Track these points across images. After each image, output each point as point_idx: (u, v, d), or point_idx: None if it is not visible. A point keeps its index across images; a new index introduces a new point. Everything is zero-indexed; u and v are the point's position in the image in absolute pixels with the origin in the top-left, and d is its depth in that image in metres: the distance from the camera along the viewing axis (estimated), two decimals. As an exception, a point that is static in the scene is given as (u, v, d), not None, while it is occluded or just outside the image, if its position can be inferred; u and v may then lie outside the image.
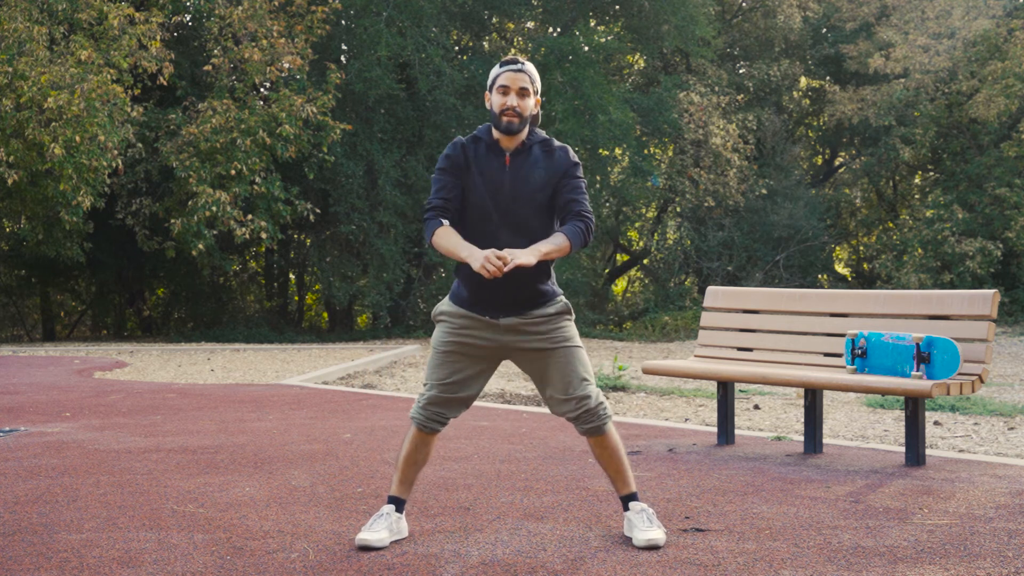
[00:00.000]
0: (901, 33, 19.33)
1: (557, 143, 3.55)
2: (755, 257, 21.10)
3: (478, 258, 3.21)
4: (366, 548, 3.40)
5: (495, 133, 3.50)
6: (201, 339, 17.54)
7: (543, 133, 3.57)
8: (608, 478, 3.62)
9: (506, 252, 3.21)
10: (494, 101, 3.47)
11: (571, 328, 3.55)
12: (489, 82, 3.51)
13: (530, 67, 3.49)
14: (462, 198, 3.47)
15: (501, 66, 3.49)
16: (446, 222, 3.41)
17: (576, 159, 3.53)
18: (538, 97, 3.52)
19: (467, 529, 3.67)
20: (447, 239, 3.35)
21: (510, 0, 19.58)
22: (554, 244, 3.33)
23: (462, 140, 3.51)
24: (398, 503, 3.55)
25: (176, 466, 4.93)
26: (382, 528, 3.46)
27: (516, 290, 3.45)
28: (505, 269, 3.18)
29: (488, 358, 3.54)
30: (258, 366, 11.49)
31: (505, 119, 3.43)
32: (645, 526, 3.44)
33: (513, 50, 22.90)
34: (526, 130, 3.50)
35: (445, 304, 3.57)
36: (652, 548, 3.38)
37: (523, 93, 3.44)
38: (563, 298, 3.56)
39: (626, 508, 3.55)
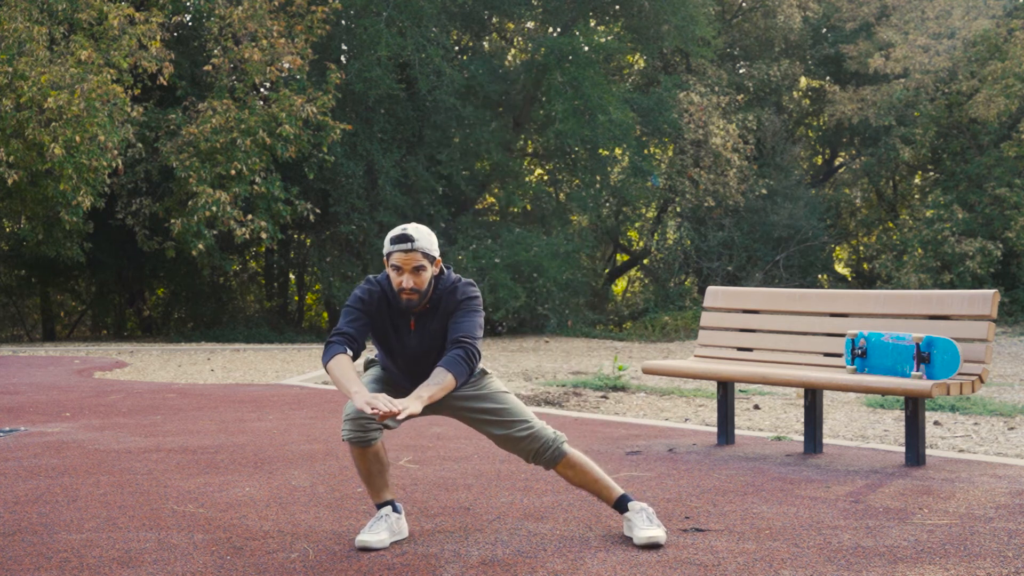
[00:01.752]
0: (901, 33, 19.32)
1: (451, 287, 3.50)
2: (755, 257, 21.09)
3: (361, 399, 3.19)
4: (366, 549, 3.40)
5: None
6: (201, 339, 17.54)
7: (451, 279, 3.51)
8: (593, 494, 3.62)
9: (394, 403, 3.18)
10: (392, 278, 3.44)
11: (493, 379, 3.61)
12: (384, 253, 3.47)
13: (422, 240, 3.40)
14: (368, 335, 3.50)
15: (392, 243, 3.42)
16: (349, 352, 3.40)
17: (467, 294, 3.49)
18: (438, 259, 3.47)
19: (467, 529, 3.67)
20: (340, 370, 3.34)
21: (510, 0, 19.57)
22: (437, 385, 3.32)
23: (378, 288, 3.49)
24: (391, 504, 3.55)
25: (176, 466, 4.93)
26: (382, 529, 3.46)
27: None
28: (398, 418, 3.19)
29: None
30: (258, 366, 11.49)
31: (404, 297, 3.43)
32: (645, 525, 3.44)
33: (510, 48, 22.85)
34: (430, 294, 3.47)
35: (378, 357, 3.67)
36: (652, 547, 3.38)
37: (418, 270, 3.40)
38: (480, 367, 3.58)
39: (625, 510, 3.55)
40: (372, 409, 3.13)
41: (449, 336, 3.45)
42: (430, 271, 3.43)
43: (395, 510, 3.53)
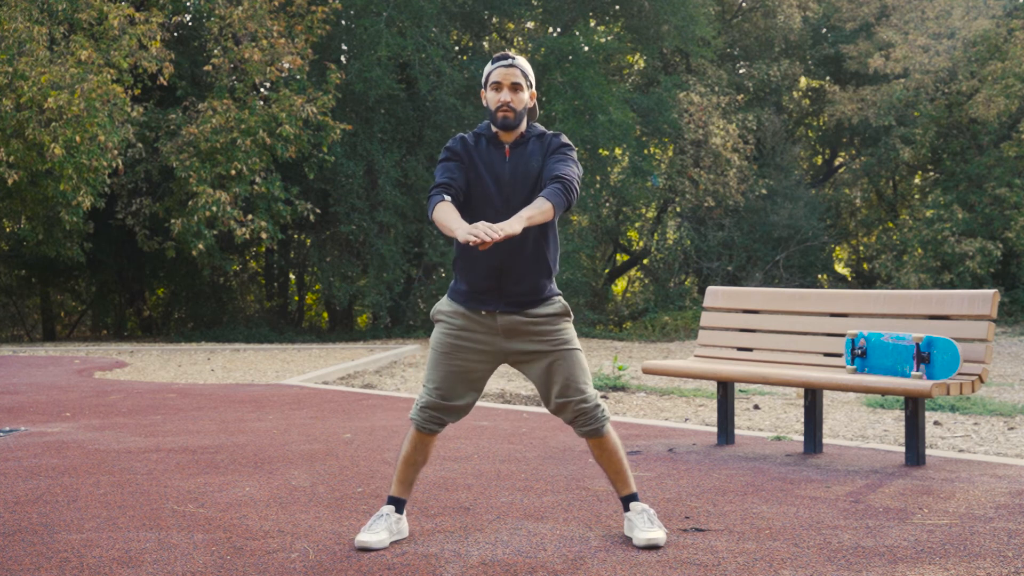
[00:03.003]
0: (901, 33, 19.32)
1: (550, 132, 3.57)
2: (755, 257, 21.09)
3: (463, 232, 3.15)
4: (365, 549, 3.40)
5: (494, 128, 3.52)
6: (201, 339, 17.54)
7: (540, 127, 3.58)
8: (608, 479, 3.62)
9: (493, 227, 3.13)
10: (489, 98, 3.50)
11: (570, 331, 3.54)
12: (483, 79, 3.53)
13: (521, 61, 3.51)
14: (466, 186, 3.47)
15: (493, 63, 3.50)
16: (448, 198, 3.38)
17: (566, 140, 3.54)
18: (532, 90, 3.53)
19: (467, 529, 3.67)
20: (444, 214, 3.32)
21: (510, 0, 19.57)
22: (536, 208, 3.28)
23: (463, 135, 3.54)
24: (398, 504, 3.54)
25: (176, 466, 4.93)
26: (381, 529, 3.46)
27: (514, 283, 3.45)
28: (495, 238, 3.10)
29: (486, 361, 3.52)
30: (258, 366, 11.49)
31: (500, 115, 3.46)
32: (646, 526, 3.44)
33: (512, 49, 22.89)
34: (524, 123, 3.53)
35: (443, 303, 3.56)
36: (652, 548, 3.38)
37: (516, 88, 3.47)
38: (562, 299, 3.56)
39: (627, 508, 3.55)
40: (474, 238, 3.09)
41: (545, 175, 3.43)
42: (527, 94, 3.49)
43: (398, 510, 3.53)
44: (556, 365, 3.47)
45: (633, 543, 3.44)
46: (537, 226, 3.41)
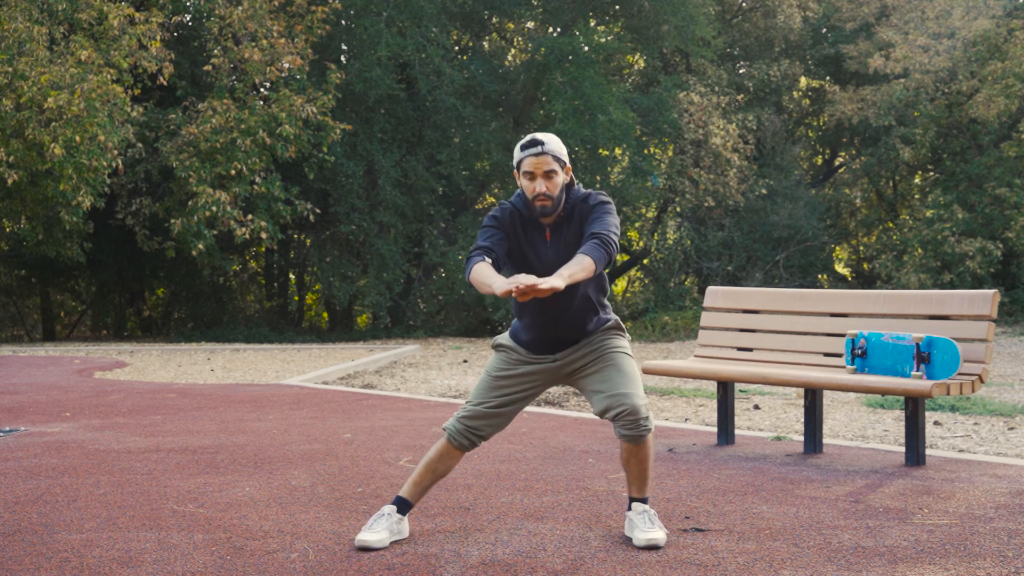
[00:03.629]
0: (901, 33, 19.32)
1: (584, 195, 3.51)
2: (755, 257, 21.09)
3: (502, 285, 3.15)
4: (365, 548, 3.40)
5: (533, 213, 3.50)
6: (201, 339, 17.54)
7: (580, 189, 3.54)
8: (627, 478, 3.60)
9: (534, 279, 3.14)
10: (524, 186, 3.46)
11: (621, 339, 3.60)
12: (515, 162, 3.49)
13: (552, 145, 3.44)
14: (507, 257, 3.48)
15: (522, 150, 3.44)
16: (489, 260, 3.37)
17: (598, 199, 3.50)
18: (567, 167, 3.48)
19: (467, 529, 3.67)
20: (481, 271, 3.31)
21: (510, 0, 19.57)
22: (577, 265, 3.28)
23: (509, 205, 3.51)
24: (402, 505, 3.55)
25: (176, 466, 4.93)
26: (382, 528, 3.46)
27: (570, 331, 3.53)
28: (535, 285, 3.10)
29: (540, 384, 3.60)
30: (258, 366, 11.49)
31: (539, 204, 3.44)
32: (646, 526, 3.44)
33: (512, 49, 22.89)
34: (563, 203, 3.49)
35: (505, 338, 3.63)
36: (652, 548, 3.38)
37: (550, 175, 3.42)
38: (616, 319, 3.61)
39: (629, 508, 3.55)
40: (516, 288, 3.08)
41: (585, 235, 3.42)
42: (561, 176, 3.45)
43: (401, 511, 3.54)
44: (604, 365, 3.52)
45: (633, 543, 3.44)
46: (582, 284, 3.45)
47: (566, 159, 3.48)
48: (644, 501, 3.56)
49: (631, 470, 3.54)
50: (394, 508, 3.53)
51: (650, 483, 3.57)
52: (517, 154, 3.46)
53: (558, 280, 3.17)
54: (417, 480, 3.58)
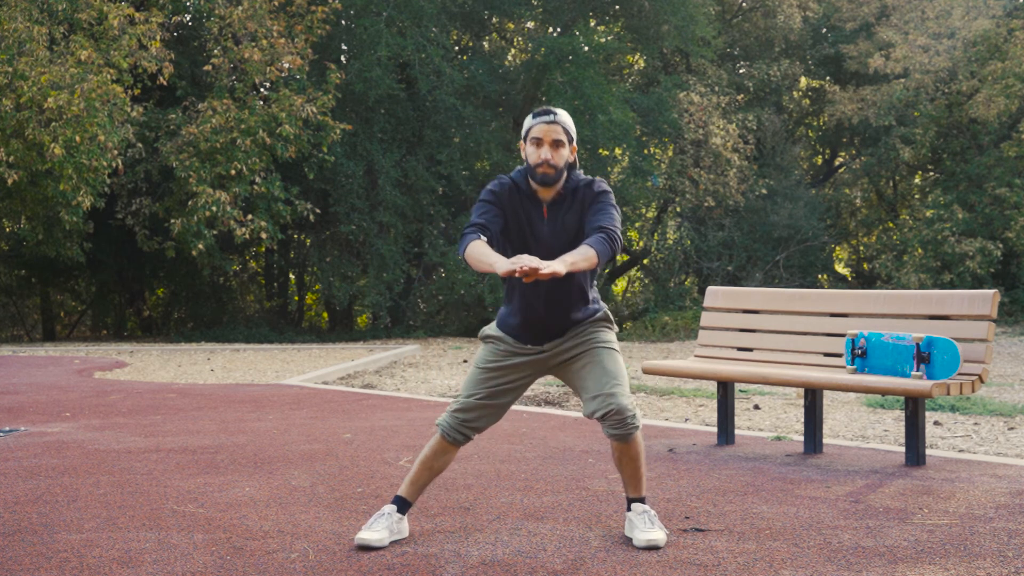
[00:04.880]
0: (901, 33, 19.32)
1: (586, 180, 3.51)
2: (755, 257, 21.09)
3: (503, 265, 3.14)
4: (365, 548, 3.39)
5: (532, 183, 3.49)
6: (201, 339, 17.54)
7: (581, 177, 3.54)
8: (622, 479, 3.61)
9: (536, 260, 3.13)
10: (528, 153, 3.45)
11: (609, 333, 3.57)
12: (523, 132, 3.49)
13: (563, 116, 3.46)
14: (502, 233, 3.47)
15: (534, 117, 3.46)
16: (484, 238, 3.37)
17: (602, 187, 3.50)
18: (573, 145, 3.49)
19: (467, 529, 3.67)
20: (478, 249, 3.29)
21: (510, 0, 19.57)
22: (580, 255, 3.26)
23: (508, 180, 3.50)
24: (401, 504, 3.55)
25: (176, 466, 4.93)
26: (382, 528, 3.46)
27: (559, 319, 3.51)
28: (537, 268, 3.08)
29: (529, 375, 3.59)
30: (258, 366, 11.49)
31: (540, 171, 3.42)
32: (646, 527, 3.44)
33: (513, 49, 22.89)
34: (563, 180, 3.48)
35: (492, 329, 3.61)
36: (652, 548, 3.38)
37: (557, 145, 3.42)
38: (604, 310, 3.60)
39: (629, 508, 3.56)
40: (520, 268, 3.06)
41: (587, 227, 3.42)
42: (567, 151, 3.45)
43: (400, 511, 3.54)
44: (591, 364, 3.49)
45: (633, 543, 3.44)
46: (575, 276, 3.44)
47: (575, 137, 3.49)
48: (642, 501, 3.55)
49: (624, 469, 3.54)
50: (394, 507, 3.53)
51: (645, 482, 3.57)
52: (528, 122, 3.47)
53: (560, 266, 3.15)
54: (414, 478, 3.58)
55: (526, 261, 3.08)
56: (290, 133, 15.74)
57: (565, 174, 3.48)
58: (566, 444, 5.52)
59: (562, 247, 3.44)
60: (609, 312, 3.61)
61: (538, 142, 3.42)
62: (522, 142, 3.50)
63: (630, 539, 3.50)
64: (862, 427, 6.50)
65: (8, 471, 4.81)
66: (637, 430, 3.45)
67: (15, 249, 17.92)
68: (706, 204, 20.19)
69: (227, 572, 3.17)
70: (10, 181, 14.01)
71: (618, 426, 3.42)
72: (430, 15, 18.30)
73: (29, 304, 22.48)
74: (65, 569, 3.21)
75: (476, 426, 3.53)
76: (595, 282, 3.59)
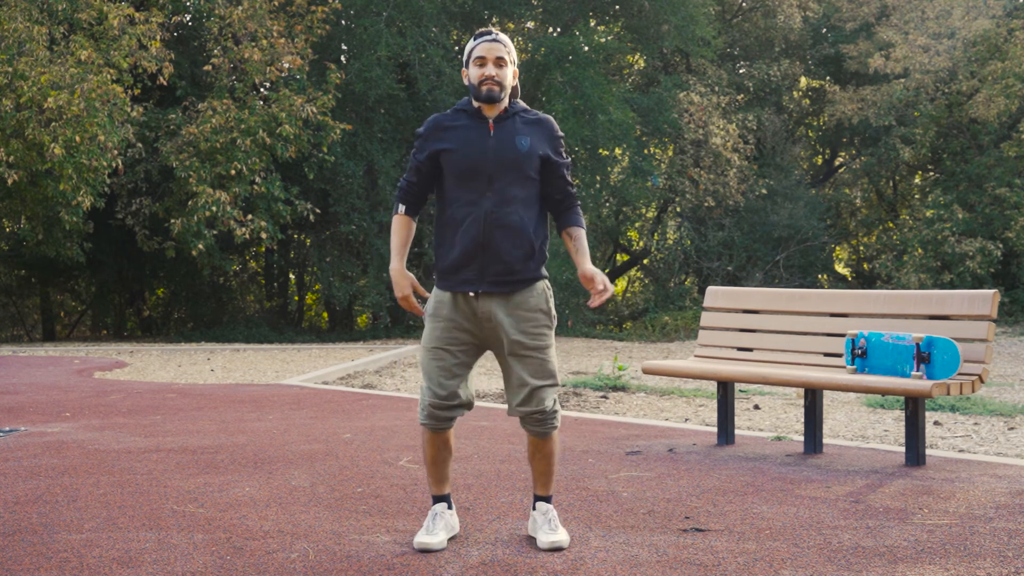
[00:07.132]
0: (901, 33, 19.32)
1: (538, 113, 3.58)
2: (755, 257, 21.09)
3: (396, 269, 3.58)
4: (427, 551, 3.38)
5: (475, 103, 3.52)
6: (201, 339, 17.54)
7: (522, 104, 3.59)
8: (532, 474, 3.60)
9: (605, 285, 3.47)
10: (472, 74, 3.50)
11: (544, 318, 3.49)
12: (465, 57, 3.53)
13: (504, 37, 3.52)
14: (430, 178, 3.57)
15: (475, 39, 3.52)
16: (403, 208, 3.61)
17: (560, 132, 3.59)
18: (515, 68, 3.54)
19: (467, 529, 3.68)
20: (394, 233, 3.62)
21: (510, 0, 19.57)
22: (584, 242, 3.58)
23: (438, 116, 3.56)
24: (445, 500, 3.57)
25: (176, 466, 4.93)
26: (440, 529, 3.47)
27: (495, 260, 3.43)
28: (608, 293, 3.46)
29: (472, 350, 3.53)
30: (258, 366, 11.49)
31: (486, 87, 3.46)
32: (548, 529, 3.45)
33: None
34: (507, 99, 3.53)
35: (430, 302, 3.56)
36: (556, 550, 3.39)
37: (500, 63, 3.47)
38: (546, 283, 3.54)
39: (534, 507, 3.57)
40: (600, 300, 3.47)
41: (558, 186, 3.56)
42: (510, 70, 3.50)
43: (449, 506, 3.56)
44: (521, 360, 3.45)
45: (538, 544, 3.44)
46: (520, 201, 3.46)
47: (515, 58, 3.55)
48: (548, 500, 3.56)
49: (536, 465, 3.55)
50: (444, 505, 3.54)
51: (554, 479, 3.58)
52: (469, 45, 3.53)
53: (602, 276, 3.47)
54: (435, 476, 3.56)
55: (599, 286, 3.44)
56: (290, 133, 15.73)
57: (508, 98, 3.53)
58: (566, 444, 5.52)
59: (510, 166, 3.45)
60: (549, 287, 3.54)
61: (482, 60, 3.47)
62: (464, 69, 3.54)
63: (534, 539, 3.52)
64: (862, 427, 6.50)
65: (8, 471, 4.81)
66: (555, 430, 3.50)
67: (15, 249, 17.92)
68: (706, 204, 20.19)
69: (227, 572, 3.17)
70: (10, 181, 14.00)
71: (537, 423, 3.47)
72: (430, 15, 18.30)
73: (29, 304, 22.48)
74: (65, 569, 3.21)
75: (452, 402, 3.44)
76: (546, 236, 3.56)
